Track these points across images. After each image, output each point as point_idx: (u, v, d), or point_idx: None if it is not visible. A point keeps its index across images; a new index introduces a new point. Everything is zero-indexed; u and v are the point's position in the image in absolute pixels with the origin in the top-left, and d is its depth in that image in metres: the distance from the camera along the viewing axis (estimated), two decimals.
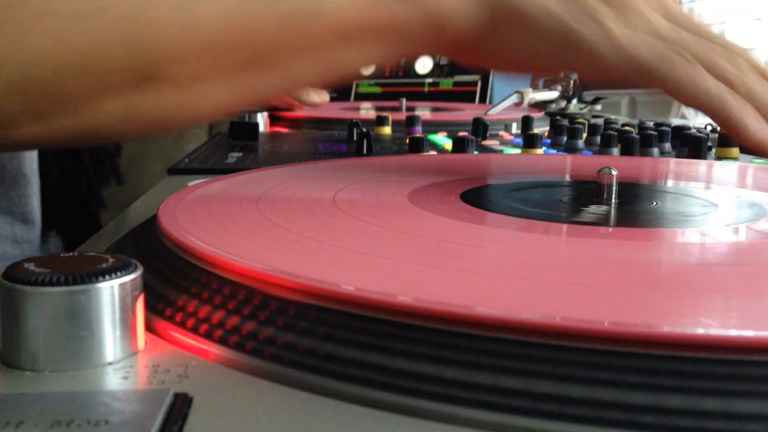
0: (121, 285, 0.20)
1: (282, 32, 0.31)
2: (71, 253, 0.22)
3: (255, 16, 0.30)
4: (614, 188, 0.36)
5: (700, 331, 0.18)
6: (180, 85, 0.30)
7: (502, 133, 0.84)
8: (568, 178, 0.49)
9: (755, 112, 0.37)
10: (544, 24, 0.35)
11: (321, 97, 1.02)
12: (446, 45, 0.35)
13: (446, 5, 0.33)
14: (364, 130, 0.67)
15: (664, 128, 0.69)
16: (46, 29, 0.26)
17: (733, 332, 0.18)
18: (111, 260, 0.21)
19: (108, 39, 0.27)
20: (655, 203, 0.37)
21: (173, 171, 0.58)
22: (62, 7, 0.26)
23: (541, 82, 1.11)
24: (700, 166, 0.53)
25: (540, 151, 0.65)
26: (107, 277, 0.20)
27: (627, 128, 0.75)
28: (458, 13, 0.33)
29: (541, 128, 0.85)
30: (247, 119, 0.80)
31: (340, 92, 1.47)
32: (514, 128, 0.86)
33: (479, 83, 1.40)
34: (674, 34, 0.37)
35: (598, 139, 0.68)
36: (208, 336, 0.21)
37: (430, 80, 1.46)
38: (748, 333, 0.18)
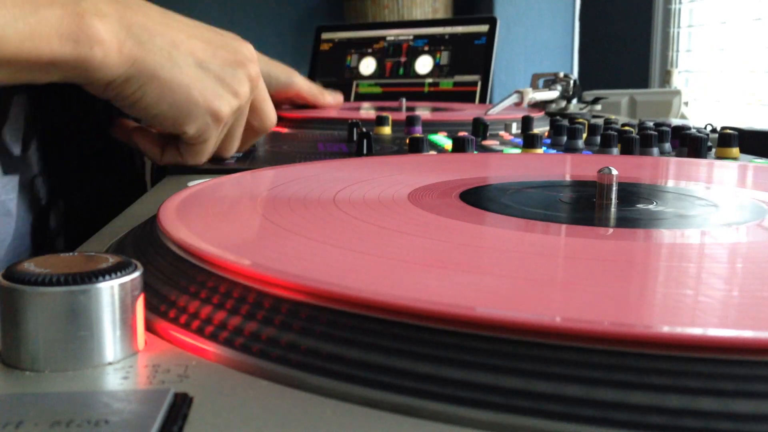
0: (121, 285, 0.20)
1: None
2: (71, 253, 0.22)
3: None
4: (614, 188, 0.36)
5: (699, 331, 0.18)
6: None
7: (502, 133, 0.84)
8: (568, 178, 0.49)
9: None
10: (171, 89, 0.46)
11: (335, 98, 1.05)
12: (91, 83, 0.43)
13: (97, 56, 0.40)
14: (364, 130, 0.67)
15: (664, 128, 0.69)
16: None
17: (733, 332, 0.18)
18: (111, 260, 0.21)
19: None
20: (655, 203, 0.37)
21: (173, 171, 0.58)
22: None
23: (540, 82, 1.11)
24: (700, 166, 0.53)
25: (540, 151, 0.65)
26: (107, 277, 0.20)
27: (627, 128, 0.75)
28: (106, 63, 0.41)
29: (541, 128, 0.85)
30: None
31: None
32: (514, 128, 0.86)
33: (479, 83, 1.41)
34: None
35: (598, 139, 0.68)
36: (208, 336, 0.22)
37: (430, 80, 1.46)
38: (747, 333, 0.18)
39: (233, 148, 0.56)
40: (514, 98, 1.02)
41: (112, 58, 0.41)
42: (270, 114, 0.58)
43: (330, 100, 1.05)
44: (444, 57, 1.44)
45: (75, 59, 0.40)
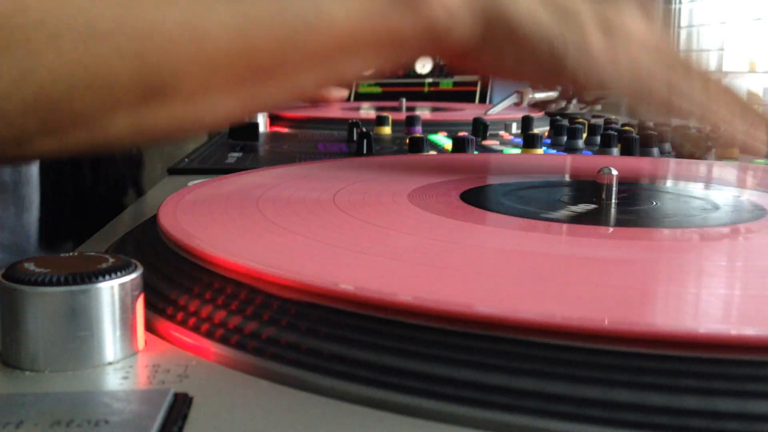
0: (121, 285, 0.20)
1: (283, 47, 0.32)
2: (71, 253, 0.22)
3: (258, 32, 0.31)
4: (614, 188, 0.36)
5: (701, 330, 0.18)
6: (187, 98, 0.31)
7: (502, 133, 0.84)
8: (568, 178, 0.49)
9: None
10: (532, 37, 0.37)
11: (340, 93, 1.05)
12: (441, 52, 0.37)
13: (442, 16, 0.34)
14: (364, 130, 0.67)
15: (664, 128, 0.69)
16: (60, 50, 0.27)
17: (734, 331, 0.18)
18: (111, 260, 0.21)
19: (119, 58, 0.28)
20: (654, 203, 0.37)
21: (173, 171, 0.58)
22: (75, 28, 0.27)
23: None
24: (700, 166, 0.53)
25: (540, 151, 0.65)
26: (107, 277, 0.20)
27: (627, 128, 0.75)
28: (453, 24, 0.35)
29: (541, 128, 0.85)
30: (246, 119, 0.80)
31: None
32: (514, 128, 0.86)
33: (479, 83, 1.40)
34: (652, 60, 0.39)
35: (598, 139, 0.68)
36: (208, 336, 0.22)
37: (430, 80, 1.46)
38: (749, 331, 0.18)
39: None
40: (514, 98, 1.02)
41: (459, 15, 0.35)
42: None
43: (336, 94, 1.04)
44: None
45: (418, 28, 0.34)
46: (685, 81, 0.39)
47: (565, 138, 0.72)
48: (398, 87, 1.46)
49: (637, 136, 0.64)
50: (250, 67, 0.32)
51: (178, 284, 0.24)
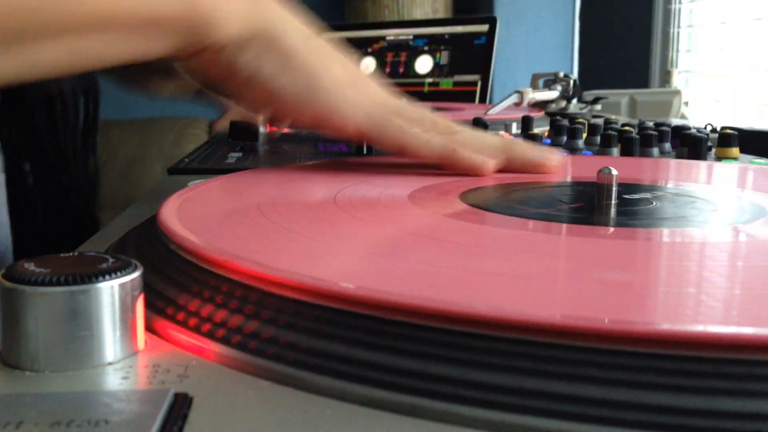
0: (121, 285, 0.20)
1: (41, 7, 0.31)
2: (71, 253, 0.22)
3: None
4: (614, 188, 0.36)
5: (700, 328, 0.18)
6: None
7: (502, 133, 0.83)
8: (568, 178, 0.49)
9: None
10: (295, 60, 0.38)
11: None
12: (195, 52, 0.36)
13: (217, 8, 0.34)
14: None
15: (664, 128, 0.69)
16: None
17: (733, 330, 0.18)
18: (111, 260, 0.21)
19: None
20: (654, 203, 0.37)
21: (173, 171, 0.58)
22: None
23: (541, 82, 1.11)
24: (700, 166, 0.53)
25: None
26: (107, 277, 0.20)
27: (627, 128, 0.75)
28: (224, 20, 0.35)
29: (541, 128, 0.85)
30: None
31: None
32: (514, 128, 0.86)
33: (479, 83, 1.40)
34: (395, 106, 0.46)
35: (598, 139, 0.68)
36: (208, 336, 0.21)
37: (430, 80, 1.46)
38: (748, 330, 0.18)
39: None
40: (514, 98, 1.02)
41: (232, 14, 0.35)
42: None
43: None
44: (444, 57, 1.44)
45: (190, 16, 0.34)
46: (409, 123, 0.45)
47: (565, 138, 0.72)
48: (398, 87, 1.46)
49: (637, 136, 0.64)
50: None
51: (178, 284, 0.24)
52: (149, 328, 0.23)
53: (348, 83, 0.42)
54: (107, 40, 0.33)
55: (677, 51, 2.60)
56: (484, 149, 0.45)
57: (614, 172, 0.36)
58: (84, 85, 0.58)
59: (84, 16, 0.32)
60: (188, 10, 0.34)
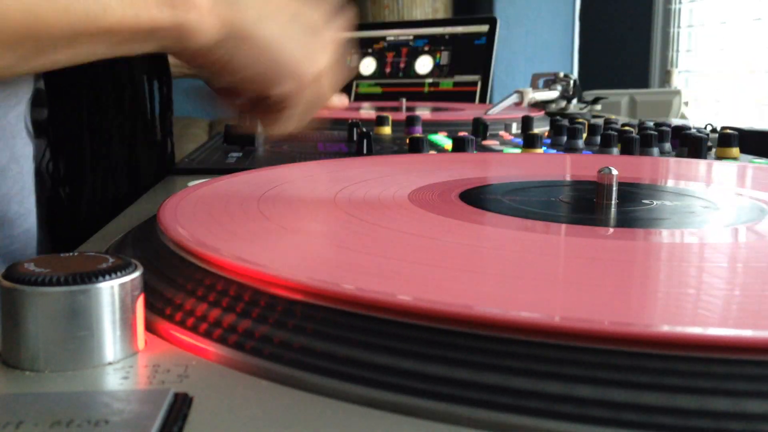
0: (121, 285, 0.20)
1: (64, 24, 0.35)
2: (71, 253, 0.22)
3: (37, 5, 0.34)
4: (614, 188, 0.36)
5: (699, 330, 0.18)
6: None
7: (502, 133, 0.84)
8: (568, 178, 0.49)
9: None
10: (265, 48, 0.44)
11: (341, 100, 1.04)
12: (185, 49, 0.42)
13: (193, 19, 0.40)
14: (364, 130, 0.67)
15: (664, 128, 0.69)
16: None
17: (732, 332, 0.18)
18: (111, 260, 0.21)
19: None
20: (654, 203, 0.37)
21: (173, 171, 0.58)
22: None
23: (541, 82, 1.11)
24: (700, 166, 0.53)
25: (540, 151, 0.65)
26: (107, 277, 0.20)
27: (627, 128, 0.75)
28: (201, 27, 0.40)
29: (541, 128, 0.85)
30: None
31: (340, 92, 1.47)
32: (514, 128, 0.86)
33: (479, 83, 1.41)
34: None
35: (598, 139, 0.68)
36: (208, 336, 0.21)
37: (430, 80, 1.46)
38: (747, 332, 0.18)
39: (294, 123, 0.52)
40: (514, 98, 1.02)
41: (207, 21, 0.41)
42: (334, 86, 0.54)
43: (336, 102, 1.04)
44: (444, 57, 1.44)
45: (172, 24, 0.39)
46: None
47: (565, 138, 0.72)
48: (398, 87, 1.46)
49: (637, 136, 0.64)
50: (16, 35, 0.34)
51: (178, 284, 0.24)
52: (149, 328, 0.23)
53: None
54: (111, 43, 0.38)
55: (677, 51, 2.60)
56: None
57: (614, 172, 0.36)
58: (157, 71, 0.60)
59: (99, 28, 0.36)
60: (177, 24, 0.39)
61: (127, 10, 0.37)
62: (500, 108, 0.99)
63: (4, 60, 0.35)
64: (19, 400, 0.18)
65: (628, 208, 0.36)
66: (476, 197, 0.37)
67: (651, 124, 0.79)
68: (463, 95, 1.41)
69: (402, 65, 1.48)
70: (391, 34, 1.51)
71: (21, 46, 0.35)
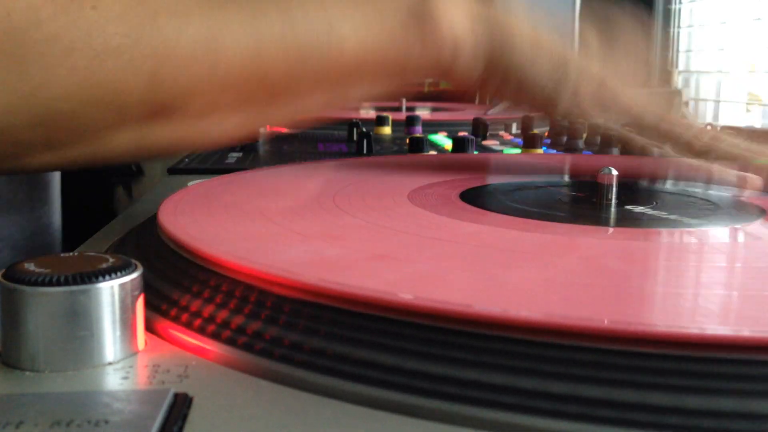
0: (121, 285, 0.20)
1: (293, 69, 0.33)
2: (71, 253, 0.22)
3: (270, 52, 0.32)
4: (614, 188, 0.36)
5: (697, 330, 0.18)
6: (193, 117, 0.31)
7: (502, 133, 0.84)
8: (568, 178, 0.49)
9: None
10: (530, 82, 0.40)
11: None
12: (445, 79, 0.39)
13: (448, 48, 0.36)
14: (364, 130, 0.67)
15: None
16: (75, 66, 0.26)
17: (730, 331, 0.18)
18: (111, 260, 0.21)
19: (133, 75, 0.28)
20: (654, 203, 0.37)
21: (173, 171, 0.58)
22: (91, 44, 0.27)
23: None
24: (700, 165, 0.53)
25: (540, 151, 0.65)
26: (107, 277, 0.20)
27: (627, 128, 0.75)
28: (457, 58, 0.37)
29: (541, 128, 0.85)
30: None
31: None
32: (514, 128, 0.86)
33: None
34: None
35: (598, 139, 0.68)
36: (208, 336, 0.21)
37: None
38: (754, 332, 0.18)
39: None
40: None
41: (464, 47, 0.37)
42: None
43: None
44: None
45: (421, 56, 0.36)
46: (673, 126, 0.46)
47: (565, 138, 0.72)
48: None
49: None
50: (260, 87, 0.32)
51: (178, 284, 0.24)
52: (149, 328, 0.23)
53: (588, 92, 0.44)
54: (363, 83, 0.36)
55: (677, 51, 2.60)
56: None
57: (614, 172, 0.36)
58: None
59: (343, 66, 0.34)
60: (425, 54, 0.36)
61: (362, 44, 0.34)
62: (501, 108, 0.99)
63: (236, 117, 0.32)
64: (19, 400, 0.18)
65: (628, 208, 0.36)
66: (476, 197, 0.37)
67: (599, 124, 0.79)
68: (464, 95, 1.40)
69: None
70: None
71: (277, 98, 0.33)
